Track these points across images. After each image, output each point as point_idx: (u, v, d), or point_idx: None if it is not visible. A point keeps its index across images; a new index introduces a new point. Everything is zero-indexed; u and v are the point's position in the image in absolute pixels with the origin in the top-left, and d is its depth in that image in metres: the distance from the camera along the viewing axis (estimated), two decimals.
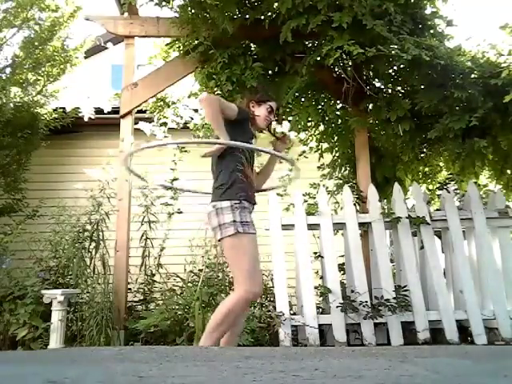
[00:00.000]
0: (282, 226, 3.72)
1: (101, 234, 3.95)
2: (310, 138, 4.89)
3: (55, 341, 3.43)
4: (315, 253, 3.86)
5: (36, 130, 5.21)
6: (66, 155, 6.00)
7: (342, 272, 3.94)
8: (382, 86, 4.33)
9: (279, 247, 3.62)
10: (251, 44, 4.17)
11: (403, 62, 3.52)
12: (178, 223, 4.74)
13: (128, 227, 4.00)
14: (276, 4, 3.75)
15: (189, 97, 4.85)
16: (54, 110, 5.52)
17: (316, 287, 3.71)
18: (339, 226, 3.90)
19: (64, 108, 5.66)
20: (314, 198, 4.04)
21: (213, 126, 2.56)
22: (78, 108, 5.71)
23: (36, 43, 5.02)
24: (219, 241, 2.49)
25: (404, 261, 3.70)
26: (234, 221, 2.39)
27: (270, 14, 3.89)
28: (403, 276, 3.73)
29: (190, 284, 3.94)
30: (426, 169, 4.85)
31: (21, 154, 5.18)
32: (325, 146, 4.83)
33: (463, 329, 3.57)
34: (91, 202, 4.04)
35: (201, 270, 3.92)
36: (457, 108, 3.58)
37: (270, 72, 4.22)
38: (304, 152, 5.03)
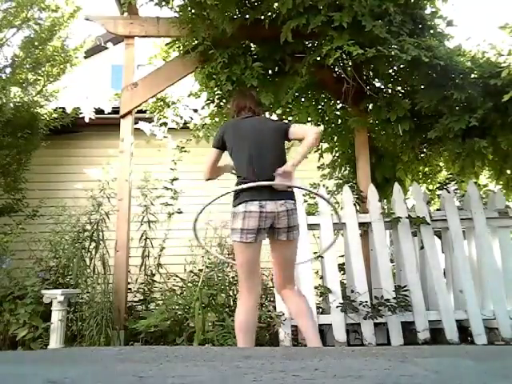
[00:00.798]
0: None
1: (101, 234, 3.95)
2: None
3: (55, 341, 3.43)
4: (315, 253, 3.87)
5: (36, 130, 5.21)
6: (66, 155, 6.00)
7: (342, 272, 3.94)
8: (382, 86, 4.33)
9: None
10: (251, 44, 4.17)
11: (403, 63, 3.52)
12: (178, 223, 4.74)
13: (128, 227, 4.00)
14: (276, 4, 3.75)
15: (189, 96, 4.85)
16: (54, 110, 5.52)
17: (316, 287, 3.72)
18: (339, 226, 3.90)
19: (64, 108, 5.66)
20: (314, 198, 4.04)
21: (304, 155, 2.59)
22: (78, 108, 5.71)
23: (36, 43, 5.02)
24: None
25: (404, 261, 3.70)
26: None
27: (269, 14, 3.89)
28: (403, 276, 3.73)
29: (190, 284, 3.94)
30: (426, 169, 4.85)
31: (21, 154, 5.18)
32: (325, 145, 4.83)
33: (463, 329, 3.58)
34: (91, 202, 4.04)
35: (201, 270, 3.92)
36: (457, 108, 3.58)
37: (269, 72, 4.21)
38: None
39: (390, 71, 4.11)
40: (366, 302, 3.50)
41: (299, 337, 3.54)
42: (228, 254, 4.06)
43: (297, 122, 4.55)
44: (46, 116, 5.37)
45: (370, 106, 4.30)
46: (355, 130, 4.26)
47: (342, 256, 3.93)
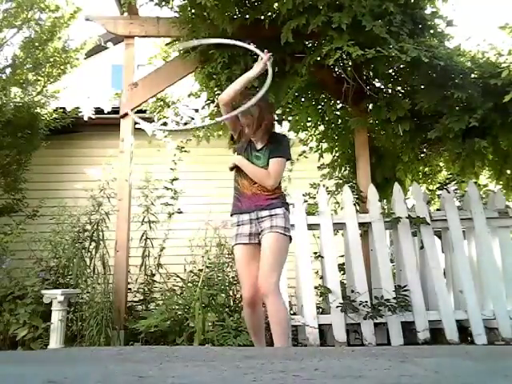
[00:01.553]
0: None
1: (101, 233, 3.95)
2: (310, 138, 4.89)
3: (55, 341, 3.43)
4: (315, 253, 3.86)
5: (36, 130, 5.20)
6: (66, 155, 6.00)
7: (342, 272, 3.94)
8: (382, 86, 4.33)
9: None
10: (251, 44, 4.16)
11: (403, 63, 3.52)
12: (178, 223, 4.74)
13: (128, 227, 4.00)
14: (276, 4, 3.75)
15: (189, 97, 4.85)
16: (54, 110, 5.51)
17: (316, 287, 3.72)
18: (339, 226, 3.90)
19: (64, 108, 5.66)
20: (314, 198, 4.04)
21: None
22: (78, 108, 5.71)
23: (36, 44, 5.01)
24: None
25: (404, 261, 3.70)
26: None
27: (269, 14, 3.88)
28: (403, 276, 3.73)
29: (190, 284, 3.94)
30: (426, 169, 4.85)
31: (21, 154, 5.18)
32: (325, 146, 4.83)
33: (463, 329, 3.58)
34: (91, 202, 4.04)
35: (201, 270, 3.92)
36: (457, 108, 3.58)
37: None
38: (304, 152, 5.02)
39: (390, 71, 4.10)
40: (366, 301, 3.50)
41: (299, 337, 3.54)
42: (228, 254, 4.07)
43: (297, 122, 4.56)
44: (46, 116, 5.36)
45: (370, 106, 4.29)
46: (355, 130, 4.26)
47: (342, 256, 3.93)
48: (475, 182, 4.12)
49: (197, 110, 5.13)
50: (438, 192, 4.24)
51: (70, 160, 5.93)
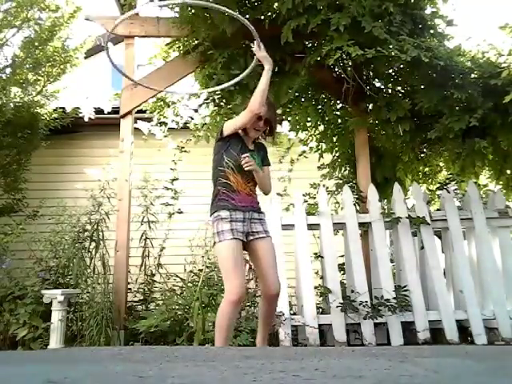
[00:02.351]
0: (282, 226, 3.72)
1: (101, 233, 3.96)
2: (310, 138, 4.89)
3: (55, 341, 3.43)
4: (315, 253, 3.86)
5: (36, 130, 5.20)
6: (66, 155, 6.00)
7: (342, 272, 3.94)
8: (382, 86, 4.33)
9: (279, 247, 3.62)
10: (251, 44, 4.16)
11: (403, 63, 3.52)
12: (178, 223, 4.74)
13: (128, 227, 4.00)
14: (276, 4, 3.76)
15: (188, 97, 4.85)
16: (54, 110, 5.51)
17: (316, 287, 3.71)
18: (339, 226, 3.90)
19: (64, 108, 5.66)
20: (314, 197, 4.04)
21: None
22: (78, 108, 5.70)
23: (36, 43, 5.00)
24: None
25: (404, 261, 3.70)
26: (214, 233, 2.59)
27: (269, 13, 3.89)
28: (403, 276, 3.73)
29: (189, 284, 3.94)
30: (426, 169, 4.85)
31: (21, 154, 5.17)
32: (325, 146, 4.82)
33: (463, 329, 3.57)
34: (91, 202, 4.04)
35: (201, 270, 3.92)
36: (457, 108, 3.58)
37: None
38: (304, 152, 5.02)
39: (390, 71, 4.10)
40: (366, 301, 3.50)
41: (299, 337, 3.54)
42: None
43: (297, 122, 4.56)
44: (46, 116, 5.36)
45: (370, 106, 4.30)
46: (355, 130, 4.26)
47: (342, 256, 3.93)
48: (475, 182, 4.12)
49: (196, 110, 5.13)
50: (438, 192, 4.23)
51: (70, 160, 5.93)
